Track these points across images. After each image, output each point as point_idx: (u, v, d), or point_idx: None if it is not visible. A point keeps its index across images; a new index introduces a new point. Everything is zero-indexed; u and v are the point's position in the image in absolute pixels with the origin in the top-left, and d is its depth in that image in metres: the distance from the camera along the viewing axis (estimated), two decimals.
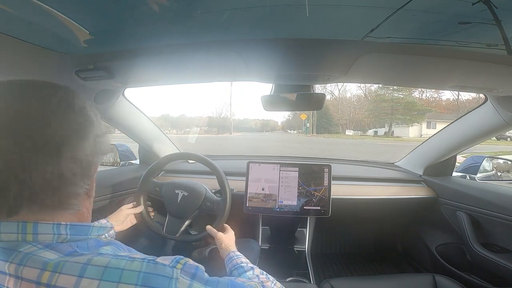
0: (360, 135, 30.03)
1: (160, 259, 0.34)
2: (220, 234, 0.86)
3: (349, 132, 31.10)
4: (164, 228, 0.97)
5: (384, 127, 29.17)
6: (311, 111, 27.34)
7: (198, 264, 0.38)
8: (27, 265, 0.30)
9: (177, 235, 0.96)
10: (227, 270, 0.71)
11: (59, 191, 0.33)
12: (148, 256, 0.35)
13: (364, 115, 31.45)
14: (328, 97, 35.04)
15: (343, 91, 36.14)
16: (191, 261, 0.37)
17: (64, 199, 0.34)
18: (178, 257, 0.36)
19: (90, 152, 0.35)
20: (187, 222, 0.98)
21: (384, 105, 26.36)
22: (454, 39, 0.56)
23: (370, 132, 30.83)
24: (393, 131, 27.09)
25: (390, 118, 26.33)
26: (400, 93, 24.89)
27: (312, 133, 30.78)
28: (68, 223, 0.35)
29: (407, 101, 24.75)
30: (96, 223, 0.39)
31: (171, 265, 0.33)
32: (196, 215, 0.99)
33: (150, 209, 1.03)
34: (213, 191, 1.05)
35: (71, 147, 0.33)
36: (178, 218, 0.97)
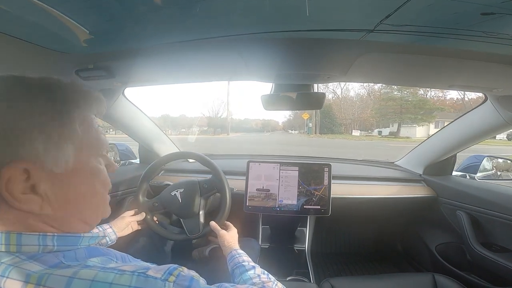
0: (366, 135, 28.27)
1: (151, 271, 0.32)
2: (222, 231, 0.86)
3: (355, 133, 29.39)
4: (186, 232, 0.96)
5: (389, 127, 27.89)
6: (314, 110, 26.04)
7: (194, 274, 0.36)
8: (10, 277, 0.29)
9: (202, 231, 0.95)
10: (229, 268, 0.71)
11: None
12: (139, 267, 0.33)
13: (370, 114, 29.77)
14: (330, 96, 33.69)
15: (346, 90, 34.75)
16: (185, 271, 0.35)
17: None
18: (171, 267, 0.34)
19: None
20: (201, 214, 0.97)
21: (391, 104, 24.80)
22: (467, 33, 0.55)
23: (376, 132, 29.38)
24: (399, 131, 25.73)
25: (399, 118, 24.60)
26: (407, 91, 23.56)
27: (315, 134, 28.96)
28: (55, 234, 0.34)
29: (419, 99, 23.23)
30: (86, 234, 0.38)
31: (162, 278, 0.32)
32: (205, 204, 0.99)
33: (155, 218, 1.03)
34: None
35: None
36: (191, 217, 0.97)
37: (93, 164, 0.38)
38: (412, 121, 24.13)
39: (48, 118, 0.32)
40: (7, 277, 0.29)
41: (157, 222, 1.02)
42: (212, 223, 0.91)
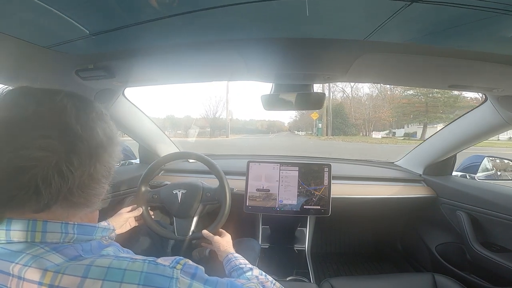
0: (383, 137, 23.94)
1: (160, 260, 0.35)
2: (216, 237, 0.87)
3: (376, 135, 24.91)
4: (175, 232, 0.96)
5: (404, 128, 25.16)
6: (325, 109, 24.09)
7: (198, 265, 0.39)
8: (32, 266, 0.30)
9: (190, 234, 0.95)
10: (226, 271, 0.71)
11: (88, 190, 0.36)
12: (148, 257, 0.35)
13: (388, 113, 25.83)
14: (339, 95, 30.67)
15: (356, 89, 30.37)
16: (190, 262, 0.38)
17: (89, 198, 0.37)
18: (178, 257, 0.37)
19: (115, 157, 0.40)
20: (195, 219, 0.97)
21: (415, 101, 21.66)
22: (459, 39, 0.55)
23: (397, 133, 25.79)
24: (415, 132, 22.57)
25: (425, 117, 21.10)
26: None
27: (327, 135, 24.79)
28: (75, 222, 0.36)
29: (449, 96, 19.66)
30: (100, 224, 0.41)
31: (171, 265, 0.34)
32: (201, 210, 0.99)
33: (151, 212, 1.03)
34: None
35: (107, 153, 0.38)
36: (185, 218, 0.97)
37: None
38: (443, 121, 20.15)
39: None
40: (29, 267, 0.30)
41: (152, 215, 1.02)
42: (204, 231, 0.90)
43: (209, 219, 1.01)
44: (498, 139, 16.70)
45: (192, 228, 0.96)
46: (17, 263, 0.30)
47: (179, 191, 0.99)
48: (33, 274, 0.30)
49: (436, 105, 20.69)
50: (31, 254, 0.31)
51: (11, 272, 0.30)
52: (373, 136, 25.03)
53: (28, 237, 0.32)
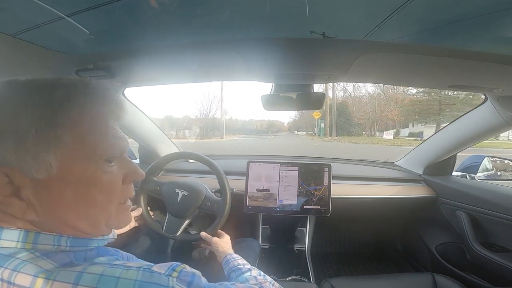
0: (395, 137, 21.62)
1: (156, 267, 0.34)
2: (215, 238, 0.87)
3: (387, 136, 22.37)
4: (164, 227, 0.97)
5: (408, 127, 23.85)
6: (329, 108, 23.43)
7: (195, 271, 0.38)
8: (21, 271, 0.29)
9: (177, 234, 0.96)
10: (225, 272, 0.71)
11: None
12: (143, 264, 0.34)
13: (395, 112, 24.09)
14: (341, 93, 29.55)
15: (358, 87, 28.64)
16: (187, 268, 0.37)
17: None
18: (174, 264, 0.36)
19: None
20: (187, 222, 0.98)
21: (427, 99, 20.36)
22: (458, 38, 0.55)
23: (404, 132, 24.23)
24: (421, 132, 21.21)
25: (438, 115, 19.62)
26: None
27: (331, 136, 23.11)
28: (70, 236, 0.35)
29: (467, 92, 16.86)
30: (98, 237, 0.39)
31: (166, 273, 0.33)
32: (196, 215, 0.99)
33: (151, 212, 1.03)
34: (213, 190, 1.05)
35: None
36: (178, 218, 0.97)
37: (90, 172, 0.34)
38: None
39: (25, 123, 0.30)
40: (18, 272, 0.29)
41: (152, 215, 1.03)
42: (203, 233, 0.91)
43: (209, 219, 1.01)
44: (509, 139, 16.49)
45: (181, 229, 0.97)
46: (6, 268, 0.30)
47: (181, 191, 0.99)
48: (23, 279, 0.29)
49: (453, 103, 19.40)
50: (21, 259, 0.30)
51: (1, 277, 0.30)
52: (384, 136, 22.49)
53: (18, 245, 0.32)
